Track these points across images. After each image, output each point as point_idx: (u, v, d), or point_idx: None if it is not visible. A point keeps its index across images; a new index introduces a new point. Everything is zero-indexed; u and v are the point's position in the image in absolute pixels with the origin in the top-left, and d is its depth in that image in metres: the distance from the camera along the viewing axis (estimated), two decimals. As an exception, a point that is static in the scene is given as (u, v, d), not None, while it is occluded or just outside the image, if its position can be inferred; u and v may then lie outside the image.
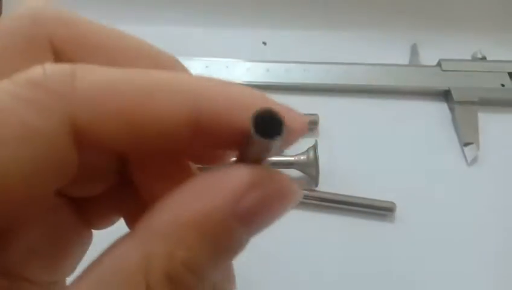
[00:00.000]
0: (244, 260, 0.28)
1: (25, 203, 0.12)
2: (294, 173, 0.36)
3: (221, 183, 0.13)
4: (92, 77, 0.13)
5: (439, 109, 0.42)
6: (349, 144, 0.39)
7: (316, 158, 0.34)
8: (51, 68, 0.12)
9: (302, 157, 0.35)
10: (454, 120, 0.41)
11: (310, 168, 0.35)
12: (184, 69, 0.18)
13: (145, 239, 0.13)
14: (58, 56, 0.15)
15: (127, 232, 0.13)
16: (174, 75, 0.14)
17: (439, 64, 0.43)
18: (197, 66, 0.42)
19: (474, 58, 0.44)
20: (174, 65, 0.17)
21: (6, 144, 0.11)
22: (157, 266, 0.13)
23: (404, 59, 0.44)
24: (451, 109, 0.41)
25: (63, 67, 0.13)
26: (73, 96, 0.12)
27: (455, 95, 0.41)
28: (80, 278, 0.13)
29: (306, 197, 0.35)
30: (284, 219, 0.33)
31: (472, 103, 0.41)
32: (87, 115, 0.12)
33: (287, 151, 0.38)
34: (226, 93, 0.14)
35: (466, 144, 0.39)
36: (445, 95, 0.42)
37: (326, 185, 0.36)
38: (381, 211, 0.35)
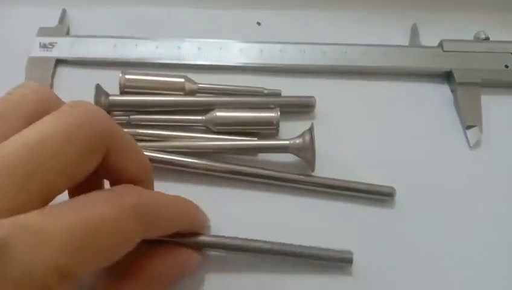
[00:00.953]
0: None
1: None
2: (289, 157, 0.35)
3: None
4: (157, 210, 0.25)
5: (440, 91, 0.40)
6: (346, 128, 0.37)
7: (312, 142, 0.33)
8: (147, 202, 0.24)
9: (297, 141, 0.34)
10: (456, 102, 0.39)
11: (306, 152, 0.33)
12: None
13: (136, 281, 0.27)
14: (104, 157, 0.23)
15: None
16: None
17: (440, 45, 0.41)
18: (189, 48, 0.40)
19: (477, 39, 0.42)
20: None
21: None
22: None
23: (404, 40, 0.43)
24: (453, 91, 0.40)
25: (150, 202, 0.24)
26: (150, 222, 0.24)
27: (457, 77, 0.39)
28: None
29: (301, 182, 0.34)
30: (279, 206, 0.32)
31: (475, 84, 0.39)
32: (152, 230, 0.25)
33: (282, 134, 0.36)
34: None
35: (468, 127, 0.38)
36: (446, 77, 0.41)
37: (323, 170, 0.35)
38: (380, 196, 0.34)
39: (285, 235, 0.32)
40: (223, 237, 0.31)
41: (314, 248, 0.31)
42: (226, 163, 0.34)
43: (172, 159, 0.34)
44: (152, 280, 0.26)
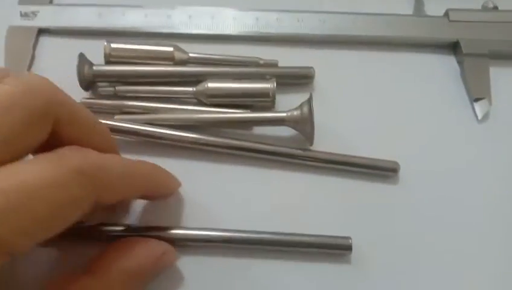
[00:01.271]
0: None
1: None
2: (285, 131, 0.32)
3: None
4: (109, 172, 0.23)
5: (446, 63, 0.38)
6: (347, 100, 0.35)
7: (311, 113, 0.31)
8: (86, 160, 0.21)
9: (295, 113, 0.31)
10: (463, 74, 0.37)
11: (304, 125, 0.31)
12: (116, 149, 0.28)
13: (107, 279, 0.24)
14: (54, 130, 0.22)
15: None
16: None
17: (446, 14, 0.39)
18: (180, 16, 0.38)
19: (485, 8, 0.40)
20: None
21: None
22: None
23: (408, 9, 0.40)
24: (460, 62, 0.37)
25: (96, 163, 0.22)
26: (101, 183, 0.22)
27: (464, 47, 0.37)
28: None
29: (299, 157, 0.32)
30: (275, 182, 0.29)
31: (482, 55, 0.37)
32: (105, 191, 0.23)
33: (278, 107, 0.34)
34: None
35: (476, 100, 0.35)
36: (453, 48, 0.38)
37: (322, 145, 0.33)
38: (383, 171, 0.32)
39: (282, 213, 0.30)
40: (208, 229, 0.29)
41: (309, 235, 0.29)
42: (218, 137, 0.32)
43: (160, 132, 0.32)
44: (121, 275, 0.24)
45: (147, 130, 0.32)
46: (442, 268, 0.30)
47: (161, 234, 0.28)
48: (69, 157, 0.21)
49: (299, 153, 0.32)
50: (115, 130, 0.31)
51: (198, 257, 0.29)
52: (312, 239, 0.29)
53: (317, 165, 0.32)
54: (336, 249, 0.29)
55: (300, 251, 0.29)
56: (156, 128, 0.32)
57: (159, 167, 0.28)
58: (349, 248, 0.29)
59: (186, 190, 0.31)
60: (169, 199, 0.30)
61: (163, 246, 0.27)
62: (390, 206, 0.31)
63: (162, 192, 0.29)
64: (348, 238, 0.29)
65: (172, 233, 0.29)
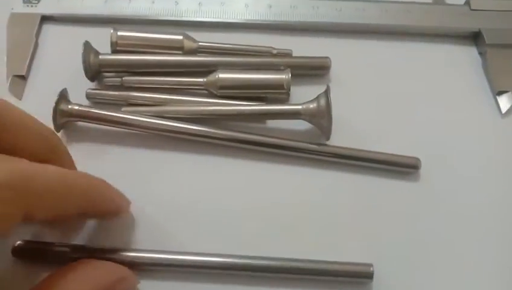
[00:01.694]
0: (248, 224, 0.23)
1: None
2: (301, 124, 0.31)
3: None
4: (40, 182, 0.20)
5: (467, 54, 0.36)
6: (364, 92, 0.34)
7: (328, 106, 0.29)
8: (13, 173, 0.19)
9: (311, 106, 0.30)
10: (485, 66, 0.35)
11: (321, 118, 0.30)
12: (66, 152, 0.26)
13: None
14: None
15: None
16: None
17: (467, 2, 0.37)
18: (190, 3, 0.36)
19: (508, -4, 0.38)
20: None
21: None
22: None
23: (427, -2, 0.38)
24: (482, 53, 0.36)
25: (25, 174, 0.19)
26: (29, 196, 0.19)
27: (487, 37, 0.35)
28: None
29: (315, 152, 0.30)
30: (289, 178, 0.27)
31: (506, 46, 0.35)
32: (35, 206, 0.20)
33: (293, 99, 0.32)
34: None
35: (500, 93, 0.34)
36: (474, 38, 0.37)
37: (338, 139, 0.31)
38: (403, 168, 0.30)
39: (297, 211, 0.29)
40: (184, 253, 0.26)
41: (321, 262, 0.26)
42: (229, 130, 0.30)
43: (169, 125, 0.30)
44: None
45: (154, 123, 0.30)
46: (465, 270, 0.28)
47: (120, 256, 0.25)
48: None
49: (315, 148, 0.30)
50: (122, 122, 0.30)
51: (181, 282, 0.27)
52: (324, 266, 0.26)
53: (334, 160, 0.30)
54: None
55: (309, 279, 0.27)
56: (163, 120, 0.30)
57: (105, 182, 0.25)
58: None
59: (192, 184, 0.30)
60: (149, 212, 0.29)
61: (122, 270, 0.24)
62: (410, 204, 0.30)
63: (105, 210, 0.26)
64: (370, 265, 0.26)
65: (134, 256, 0.26)
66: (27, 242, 0.26)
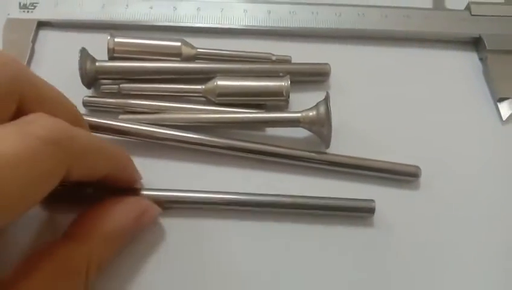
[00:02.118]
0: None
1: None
2: (300, 132, 0.31)
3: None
4: (80, 141, 0.21)
5: (467, 60, 0.36)
6: (364, 99, 0.33)
7: (328, 114, 0.29)
8: (58, 129, 0.20)
9: (310, 114, 0.30)
10: (485, 72, 0.35)
11: (320, 126, 0.29)
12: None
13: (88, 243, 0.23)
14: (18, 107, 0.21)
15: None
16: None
17: (468, 7, 0.37)
18: (187, 8, 0.36)
19: (509, 1, 0.38)
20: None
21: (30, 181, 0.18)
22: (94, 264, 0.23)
23: (427, 2, 0.38)
24: (483, 59, 0.35)
25: (68, 131, 0.21)
26: (72, 153, 0.20)
27: (487, 43, 0.35)
28: (29, 272, 0.21)
29: (315, 160, 0.30)
30: (289, 187, 0.27)
31: (507, 52, 0.35)
32: (75, 163, 0.21)
33: (292, 106, 0.32)
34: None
35: (501, 99, 0.33)
36: (475, 44, 0.36)
37: (338, 147, 0.31)
38: (404, 176, 0.30)
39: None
40: (209, 192, 0.29)
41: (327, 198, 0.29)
42: (227, 138, 0.30)
43: (167, 133, 0.30)
44: (101, 239, 0.24)
45: (150, 131, 0.30)
46: (468, 278, 0.28)
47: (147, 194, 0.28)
48: (36, 125, 0.19)
49: (313, 157, 0.30)
50: (119, 131, 0.29)
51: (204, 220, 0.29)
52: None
53: (333, 169, 0.30)
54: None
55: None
56: (160, 128, 0.30)
57: (124, 150, 0.27)
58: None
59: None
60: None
61: (144, 203, 0.27)
62: (411, 213, 0.29)
63: (126, 175, 0.27)
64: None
65: (161, 195, 0.28)
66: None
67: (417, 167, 0.30)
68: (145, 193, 0.28)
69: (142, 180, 0.29)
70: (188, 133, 0.30)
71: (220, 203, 0.28)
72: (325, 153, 0.30)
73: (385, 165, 0.30)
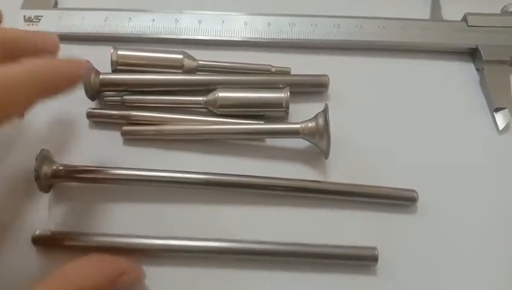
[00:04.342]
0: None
1: None
2: (300, 142, 0.31)
3: None
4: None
5: (464, 70, 0.37)
6: (363, 109, 0.34)
7: (326, 125, 0.29)
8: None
9: (309, 125, 0.30)
10: (482, 82, 0.35)
11: (320, 137, 0.30)
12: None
13: None
14: None
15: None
16: None
17: (464, 18, 0.37)
18: (189, 21, 0.36)
19: (505, 12, 0.38)
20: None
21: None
22: None
23: (424, 13, 0.39)
24: (479, 70, 0.36)
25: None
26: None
27: (484, 54, 0.36)
28: None
29: (309, 190, 0.30)
30: (288, 218, 0.27)
31: (503, 62, 0.36)
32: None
33: (292, 117, 0.33)
34: None
35: (497, 109, 0.34)
36: (471, 54, 0.37)
37: (337, 158, 0.31)
38: (401, 201, 0.30)
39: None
40: (198, 240, 0.28)
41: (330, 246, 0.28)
42: (218, 175, 0.30)
43: (151, 176, 0.30)
44: None
45: (144, 176, 0.30)
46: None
47: (130, 244, 0.28)
48: None
49: (309, 186, 0.30)
50: (112, 179, 0.30)
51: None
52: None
53: (329, 197, 0.30)
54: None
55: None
56: (147, 172, 0.30)
57: (57, 60, 0.27)
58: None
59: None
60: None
61: (123, 265, 0.26)
62: (408, 237, 0.29)
63: (64, 84, 0.26)
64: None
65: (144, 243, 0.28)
66: (45, 232, 0.28)
67: (413, 191, 0.30)
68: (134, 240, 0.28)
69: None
70: (178, 174, 0.29)
71: (216, 252, 0.28)
72: (320, 182, 0.30)
73: (382, 191, 0.30)
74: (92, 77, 0.32)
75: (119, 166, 0.30)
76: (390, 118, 0.34)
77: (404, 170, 0.31)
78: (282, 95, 0.32)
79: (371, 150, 0.32)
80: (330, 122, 0.30)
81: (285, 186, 0.30)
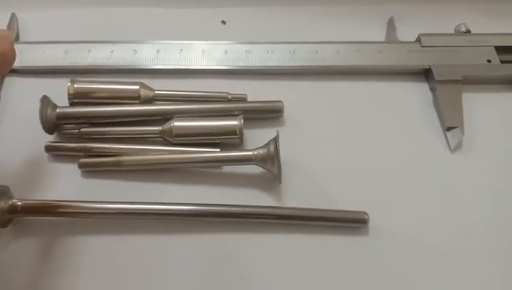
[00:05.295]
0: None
1: None
2: (254, 169, 0.32)
3: None
4: None
5: (418, 90, 0.37)
6: (317, 133, 0.35)
7: (277, 152, 0.30)
8: None
9: (261, 152, 0.31)
10: (435, 102, 0.36)
11: (271, 163, 0.31)
12: None
13: None
14: None
15: None
16: None
17: (418, 39, 0.39)
18: (147, 51, 0.37)
19: (458, 32, 0.39)
20: None
21: None
22: None
23: (380, 35, 0.40)
24: (433, 90, 0.37)
25: None
26: None
27: (436, 74, 0.37)
28: None
29: (263, 215, 0.31)
30: (240, 244, 0.28)
31: (455, 82, 0.37)
32: None
33: (248, 141, 0.33)
34: None
35: (449, 129, 0.35)
36: (425, 74, 0.38)
37: (292, 181, 0.32)
38: (352, 223, 0.31)
39: (245, 275, 0.30)
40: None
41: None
42: (178, 205, 0.30)
43: (113, 208, 0.30)
44: None
45: (107, 209, 0.30)
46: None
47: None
48: None
49: (263, 212, 0.31)
50: (71, 213, 0.30)
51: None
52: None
53: (282, 222, 0.31)
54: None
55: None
56: (108, 204, 0.30)
57: None
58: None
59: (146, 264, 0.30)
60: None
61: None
62: (361, 260, 0.30)
63: None
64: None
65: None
66: None
67: (364, 213, 0.30)
68: None
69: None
70: (132, 205, 0.30)
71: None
72: (271, 207, 0.31)
73: (332, 214, 0.31)
74: (49, 111, 0.32)
75: (77, 199, 0.30)
76: (344, 140, 0.34)
77: (357, 191, 0.32)
78: (236, 122, 0.32)
79: (324, 173, 0.33)
80: (286, 147, 0.31)
81: (238, 213, 0.30)
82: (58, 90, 0.34)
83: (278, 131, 0.31)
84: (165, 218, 0.30)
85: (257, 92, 0.36)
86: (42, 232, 0.30)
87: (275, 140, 0.30)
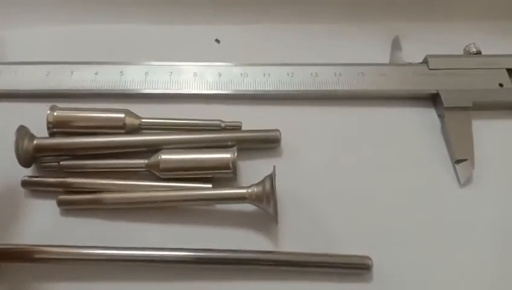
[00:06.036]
0: None
1: None
2: (249, 206, 0.29)
3: None
4: None
5: (426, 116, 0.35)
6: (317, 164, 0.32)
7: (273, 191, 0.28)
8: None
9: (256, 190, 0.28)
10: (444, 130, 0.34)
11: (267, 203, 0.28)
12: None
13: None
14: None
15: None
16: None
17: (425, 61, 0.36)
18: (135, 73, 0.35)
19: (467, 53, 0.37)
20: None
21: None
22: None
23: (384, 57, 0.37)
24: (441, 116, 0.34)
25: None
26: None
27: (445, 100, 0.34)
28: None
29: (258, 261, 0.28)
30: None
31: (465, 108, 0.34)
32: None
33: (243, 174, 0.31)
34: None
35: (458, 161, 0.32)
36: (433, 99, 0.35)
37: (290, 219, 0.30)
38: (355, 270, 0.28)
39: None
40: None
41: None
42: (164, 250, 0.28)
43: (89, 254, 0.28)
44: None
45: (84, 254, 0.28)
46: None
47: None
48: None
49: (259, 258, 0.28)
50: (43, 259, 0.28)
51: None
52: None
53: (279, 269, 0.28)
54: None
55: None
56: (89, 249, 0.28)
57: None
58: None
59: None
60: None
61: None
62: None
63: None
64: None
65: None
66: None
67: (368, 258, 0.28)
68: None
69: None
70: (109, 251, 0.28)
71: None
72: (269, 252, 0.28)
73: (333, 260, 0.28)
74: (26, 142, 0.30)
75: (56, 239, 0.28)
76: (346, 172, 0.32)
77: (359, 230, 0.30)
78: (229, 155, 0.30)
79: (325, 210, 0.30)
80: (283, 180, 0.28)
81: (230, 259, 0.28)
82: (38, 116, 0.32)
83: (274, 166, 0.28)
84: (148, 265, 0.28)
85: (252, 118, 0.33)
86: (17, 278, 0.28)
87: (271, 177, 0.28)
